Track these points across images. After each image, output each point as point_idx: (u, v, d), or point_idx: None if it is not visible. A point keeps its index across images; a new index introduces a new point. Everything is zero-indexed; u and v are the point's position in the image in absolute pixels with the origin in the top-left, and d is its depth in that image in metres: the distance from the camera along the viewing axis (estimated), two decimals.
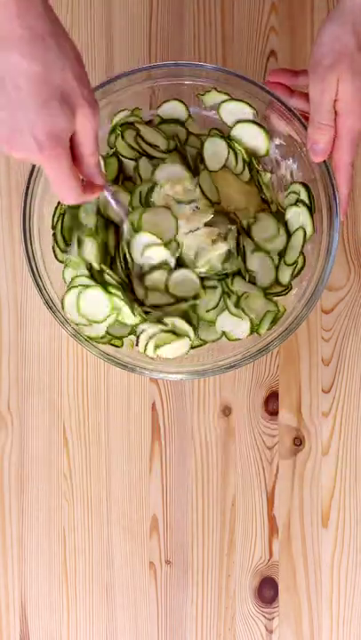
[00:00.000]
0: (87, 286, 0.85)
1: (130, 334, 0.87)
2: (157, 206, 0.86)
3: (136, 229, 0.85)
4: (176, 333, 0.85)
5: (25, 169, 0.96)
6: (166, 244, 0.85)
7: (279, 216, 0.88)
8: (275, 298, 0.87)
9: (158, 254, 0.85)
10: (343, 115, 0.79)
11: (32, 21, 0.63)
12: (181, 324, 0.86)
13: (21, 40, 0.63)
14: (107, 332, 0.86)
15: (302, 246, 0.86)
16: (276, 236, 0.88)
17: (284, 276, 0.87)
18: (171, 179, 0.87)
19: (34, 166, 0.84)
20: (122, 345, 0.87)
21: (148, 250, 0.85)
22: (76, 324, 0.85)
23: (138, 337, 0.85)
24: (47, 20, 0.64)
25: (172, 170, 0.87)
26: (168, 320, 0.85)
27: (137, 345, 0.86)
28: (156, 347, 0.85)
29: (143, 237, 0.85)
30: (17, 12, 0.62)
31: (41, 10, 0.64)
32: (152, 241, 0.85)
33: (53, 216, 0.87)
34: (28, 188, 0.84)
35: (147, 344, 0.85)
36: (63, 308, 0.85)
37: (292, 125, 0.85)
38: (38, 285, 0.85)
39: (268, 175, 0.89)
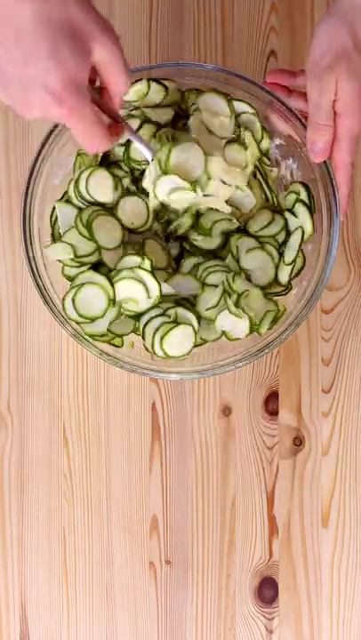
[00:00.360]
0: (82, 285, 0.84)
1: (132, 332, 0.87)
2: (187, 141, 0.82)
3: (164, 170, 0.81)
4: (179, 323, 0.85)
5: (25, 169, 0.96)
6: (193, 185, 0.82)
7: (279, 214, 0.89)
8: (275, 298, 0.87)
9: (185, 197, 0.83)
10: (342, 115, 0.79)
11: None
12: (184, 312, 0.85)
13: None
14: (108, 330, 0.86)
15: (300, 245, 0.86)
16: (271, 221, 0.87)
17: (284, 275, 0.87)
18: (210, 108, 0.85)
19: (33, 167, 0.84)
20: (122, 345, 0.87)
21: (174, 193, 0.83)
22: (77, 323, 0.85)
23: (143, 332, 0.85)
24: None
25: (213, 100, 0.85)
26: (171, 311, 0.85)
27: (144, 339, 0.85)
28: (162, 339, 0.84)
29: (170, 180, 0.82)
30: None
31: None
32: (179, 184, 0.82)
33: (51, 216, 0.87)
34: (28, 187, 0.84)
35: (153, 337, 0.84)
36: (64, 307, 0.85)
37: (292, 125, 0.85)
38: (38, 285, 0.85)
39: (275, 170, 0.89)
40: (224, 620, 0.96)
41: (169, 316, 0.85)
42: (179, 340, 0.85)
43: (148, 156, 0.82)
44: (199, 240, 0.88)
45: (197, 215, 0.88)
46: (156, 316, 0.85)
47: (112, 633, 0.96)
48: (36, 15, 0.56)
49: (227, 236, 0.88)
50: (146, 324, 0.86)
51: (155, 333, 0.85)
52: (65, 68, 0.58)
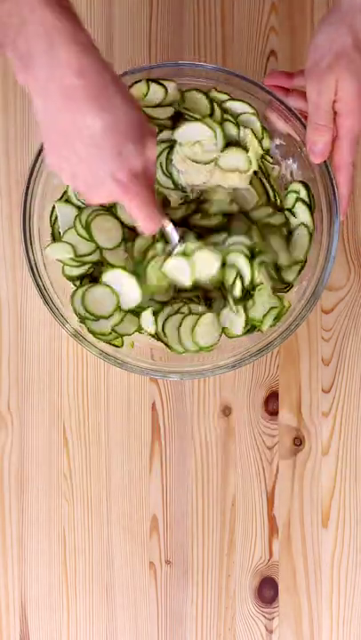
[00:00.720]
0: (94, 285, 0.85)
1: (136, 331, 0.87)
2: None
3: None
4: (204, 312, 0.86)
5: (25, 169, 0.96)
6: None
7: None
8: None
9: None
10: (343, 115, 0.79)
11: (94, 75, 0.64)
12: (196, 307, 0.86)
13: (87, 97, 0.64)
14: (112, 330, 0.86)
15: (310, 242, 0.86)
16: (273, 214, 0.88)
17: (291, 274, 0.87)
18: (188, 139, 0.86)
19: (33, 167, 0.84)
20: (122, 345, 0.87)
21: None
22: (82, 318, 0.85)
23: (163, 330, 0.86)
24: (106, 69, 0.65)
25: (190, 130, 0.86)
26: (184, 309, 0.86)
27: (165, 336, 0.86)
28: (193, 330, 0.85)
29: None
30: (79, 68, 0.63)
31: (100, 61, 0.65)
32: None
33: (51, 216, 0.87)
34: (27, 188, 0.84)
35: (179, 331, 0.85)
36: (73, 300, 0.85)
37: (291, 125, 0.85)
38: (38, 285, 0.85)
39: (277, 168, 0.89)
40: (224, 620, 0.96)
41: (183, 313, 0.86)
42: (207, 329, 0.86)
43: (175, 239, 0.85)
44: (197, 218, 0.88)
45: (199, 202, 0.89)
46: (175, 313, 0.86)
47: (112, 633, 0.96)
48: (108, 127, 0.65)
49: (228, 218, 0.88)
50: (165, 320, 0.86)
51: (179, 327, 0.86)
52: (130, 164, 0.68)
